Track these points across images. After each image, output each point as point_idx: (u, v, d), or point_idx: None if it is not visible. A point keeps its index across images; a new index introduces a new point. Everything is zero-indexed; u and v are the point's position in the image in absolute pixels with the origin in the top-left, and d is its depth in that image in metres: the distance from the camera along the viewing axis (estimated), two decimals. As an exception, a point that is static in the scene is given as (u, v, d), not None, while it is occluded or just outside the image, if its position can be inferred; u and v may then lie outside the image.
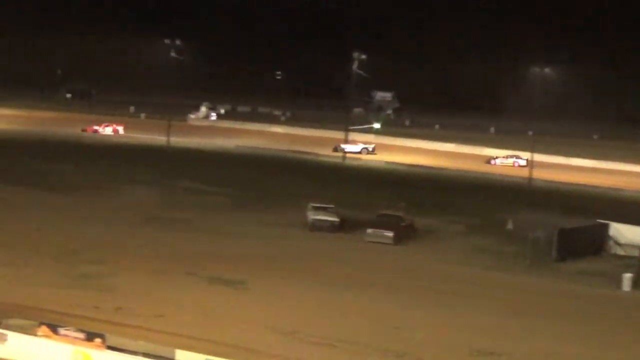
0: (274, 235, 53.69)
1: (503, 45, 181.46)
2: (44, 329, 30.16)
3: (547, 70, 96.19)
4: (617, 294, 45.70)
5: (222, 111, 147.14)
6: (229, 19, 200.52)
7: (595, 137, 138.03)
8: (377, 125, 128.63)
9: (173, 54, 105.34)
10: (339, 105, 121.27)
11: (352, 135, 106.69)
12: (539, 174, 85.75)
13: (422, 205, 64.39)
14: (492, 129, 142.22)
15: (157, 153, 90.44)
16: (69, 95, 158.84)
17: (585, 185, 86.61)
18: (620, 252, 53.92)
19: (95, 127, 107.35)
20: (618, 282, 46.52)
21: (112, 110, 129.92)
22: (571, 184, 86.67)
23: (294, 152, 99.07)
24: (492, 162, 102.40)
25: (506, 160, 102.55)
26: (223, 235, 52.69)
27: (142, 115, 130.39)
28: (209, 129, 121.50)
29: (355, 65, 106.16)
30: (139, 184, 68.32)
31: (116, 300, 36.72)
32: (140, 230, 52.16)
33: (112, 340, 29.67)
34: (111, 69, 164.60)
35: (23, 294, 36.20)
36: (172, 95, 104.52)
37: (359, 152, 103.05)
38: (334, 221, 55.34)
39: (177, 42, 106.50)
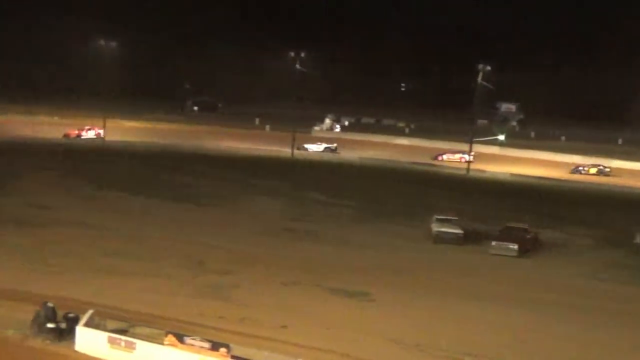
0: (397, 246, 53.46)
1: (631, 53, 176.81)
2: (170, 338, 30.59)
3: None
4: None
5: (346, 123, 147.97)
6: (354, 31, 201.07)
7: None
8: (501, 137, 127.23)
9: (298, 66, 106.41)
10: (463, 117, 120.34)
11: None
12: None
13: (547, 217, 63.34)
14: (620, 140, 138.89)
15: (283, 165, 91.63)
16: (195, 108, 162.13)
17: None
18: None
19: (77, 131, 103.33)
20: None
21: (237, 123, 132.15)
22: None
23: (418, 164, 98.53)
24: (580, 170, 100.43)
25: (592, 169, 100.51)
26: (348, 246, 52.76)
27: (267, 127, 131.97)
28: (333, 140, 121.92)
29: (480, 77, 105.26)
30: (266, 196, 69.26)
31: (241, 310, 36.97)
32: (267, 241, 52.61)
33: (237, 350, 29.92)
34: (238, 82, 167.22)
35: (151, 303, 36.82)
36: (297, 107, 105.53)
37: (322, 152, 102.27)
38: (458, 233, 54.83)
39: (302, 54, 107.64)
